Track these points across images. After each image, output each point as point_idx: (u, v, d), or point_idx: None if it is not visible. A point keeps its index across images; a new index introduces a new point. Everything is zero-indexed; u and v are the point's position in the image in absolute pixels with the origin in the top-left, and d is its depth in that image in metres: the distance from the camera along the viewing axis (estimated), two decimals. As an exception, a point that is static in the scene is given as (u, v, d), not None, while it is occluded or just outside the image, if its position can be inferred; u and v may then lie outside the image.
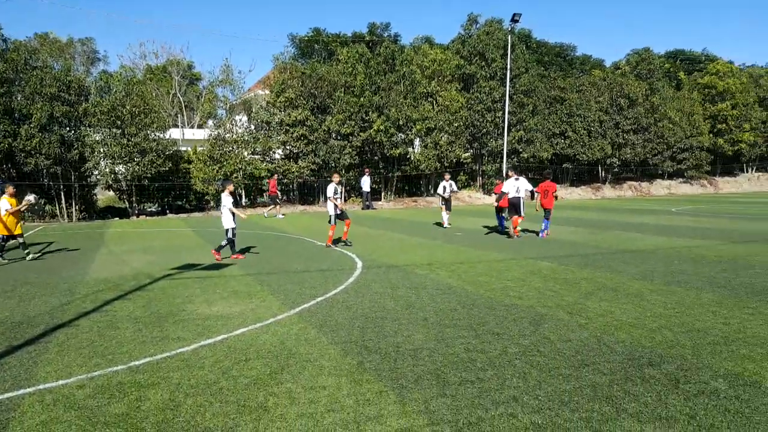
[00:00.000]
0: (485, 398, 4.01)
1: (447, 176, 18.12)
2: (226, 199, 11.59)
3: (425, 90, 33.66)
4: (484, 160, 38.10)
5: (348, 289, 8.07)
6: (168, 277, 9.46)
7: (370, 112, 31.68)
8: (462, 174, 38.57)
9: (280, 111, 30.68)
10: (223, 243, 11.57)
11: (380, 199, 33.99)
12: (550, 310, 6.64)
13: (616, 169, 41.98)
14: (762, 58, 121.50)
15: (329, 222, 13.44)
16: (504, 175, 17.95)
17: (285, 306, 7.08)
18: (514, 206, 14.48)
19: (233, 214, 11.59)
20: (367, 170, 30.84)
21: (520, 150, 36.54)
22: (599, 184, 41.98)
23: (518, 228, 14.79)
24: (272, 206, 26.00)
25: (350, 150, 31.37)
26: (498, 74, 35.36)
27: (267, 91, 33.34)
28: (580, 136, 38.31)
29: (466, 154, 38.81)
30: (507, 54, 34.83)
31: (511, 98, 35.18)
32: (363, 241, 14.46)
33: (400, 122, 32.43)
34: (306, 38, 47.27)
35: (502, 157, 35.77)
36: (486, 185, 38.41)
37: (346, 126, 30.90)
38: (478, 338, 5.53)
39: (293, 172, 30.20)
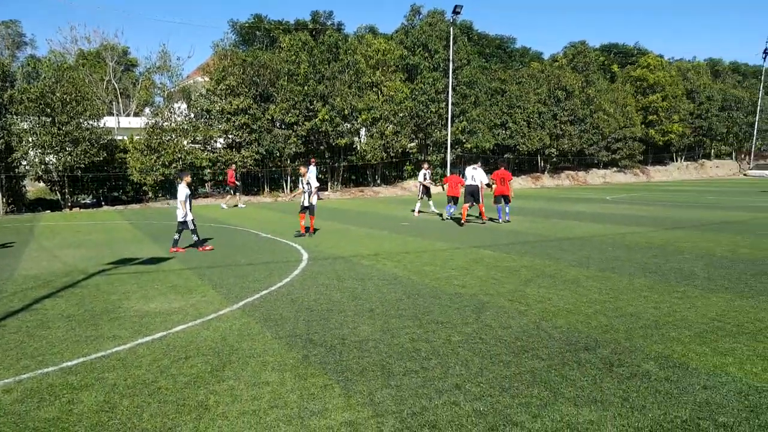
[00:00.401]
0: (429, 387, 4.05)
1: (426, 165, 18.96)
2: (182, 191, 11.37)
3: (370, 80, 33.58)
4: (429, 150, 38.49)
5: (293, 282, 7.97)
6: (103, 272, 9.06)
7: (315, 101, 31.34)
8: (408, 164, 38.85)
9: (220, 99, 29.87)
10: (176, 236, 11.41)
11: (327, 189, 33.78)
12: (492, 298, 6.79)
13: (554, 159, 43.32)
14: (689, 52, 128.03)
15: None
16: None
17: (227, 301, 6.92)
18: (472, 194, 15.11)
19: (189, 205, 11.46)
20: (312, 160, 30.50)
21: (464, 140, 37.12)
22: (539, 174, 43.24)
23: (466, 214, 15.43)
24: (230, 196, 25.74)
25: (295, 139, 30.96)
26: (441, 65, 35.73)
27: (207, 79, 32.35)
28: (520, 127, 39.30)
29: (412, 144, 39.08)
30: (449, 46, 35.23)
31: (454, 89, 35.64)
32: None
33: (345, 112, 32.26)
34: (247, 25, 46.08)
35: (446, 148, 36.24)
36: (432, 175, 38.80)
37: (290, 115, 30.46)
38: (422, 328, 5.59)
39: (236, 162, 29.53)
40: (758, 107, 52.26)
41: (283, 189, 32.79)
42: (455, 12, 34.66)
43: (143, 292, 7.52)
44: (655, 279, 7.67)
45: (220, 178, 31.61)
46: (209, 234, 14.02)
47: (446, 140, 35.93)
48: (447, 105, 35.33)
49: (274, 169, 32.58)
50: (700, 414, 3.50)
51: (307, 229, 13.53)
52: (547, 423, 3.46)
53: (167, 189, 27.76)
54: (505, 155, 41.35)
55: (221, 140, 31.13)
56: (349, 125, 33.97)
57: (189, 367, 4.60)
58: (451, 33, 35.29)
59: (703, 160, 54.00)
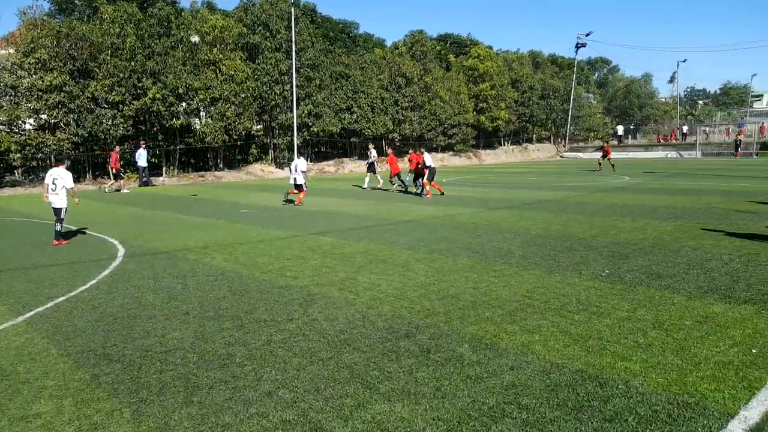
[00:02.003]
0: (237, 400, 3.68)
1: (371, 146, 23.44)
2: (68, 177, 10.40)
3: (207, 57, 31.57)
4: (276, 134, 37.48)
5: (100, 285, 7.03)
6: None
7: (144, 79, 28.70)
8: (254, 147, 37.46)
9: (29, 74, 26.03)
10: (59, 228, 10.36)
11: (161, 175, 31.30)
12: (323, 288, 6.57)
13: (397, 144, 44.73)
14: (514, 44, 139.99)
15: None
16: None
17: (11, 312, 5.86)
18: (433, 174, 18.32)
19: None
20: (142, 143, 28.03)
21: (310, 124, 36.71)
22: (383, 158, 44.36)
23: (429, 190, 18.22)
24: (112, 181, 24.71)
25: (122, 120, 28.10)
26: (283, 46, 34.80)
27: (12, 51, 27.97)
28: (364, 112, 39.87)
29: (258, 127, 37.74)
30: (291, 26, 34.41)
31: (298, 71, 34.96)
32: (131, 224, 13.00)
33: (180, 90, 30.02)
34: (62, -9, 40.62)
35: (293, 131, 35.56)
36: (278, 158, 37.90)
37: (115, 93, 27.58)
38: (242, 329, 5.18)
39: (50, 145, 26.00)
40: (572, 96, 58.77)
41: (109, 176, 29.70)
42: (295, -8, 33.85)
43: None
44: (477, 258, 8.03)
45: (33, 164, 27.82)
46: (9, 229, 12.06)
47: (292, 123, 35.23)
48: (292, 87, 34.57)
49: (99, 153, 29.35)
50: (506, 398, 3.57)
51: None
52: (357, 426, 3.29)
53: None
54: (352, 139, 41.78)
55: (31, 121, 27.21)
56: (185, 105, 31.73)
57: (-64, 405, 3.71)
58: (293, 13, 34.44)
59: (527, 144, 59.44)
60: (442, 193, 18.54)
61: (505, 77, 51.58)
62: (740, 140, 44.91)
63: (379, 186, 22.66)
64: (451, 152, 49.11)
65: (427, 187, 18.17)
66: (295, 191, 16.68)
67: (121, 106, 28.06)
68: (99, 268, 8.05)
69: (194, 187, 27.45)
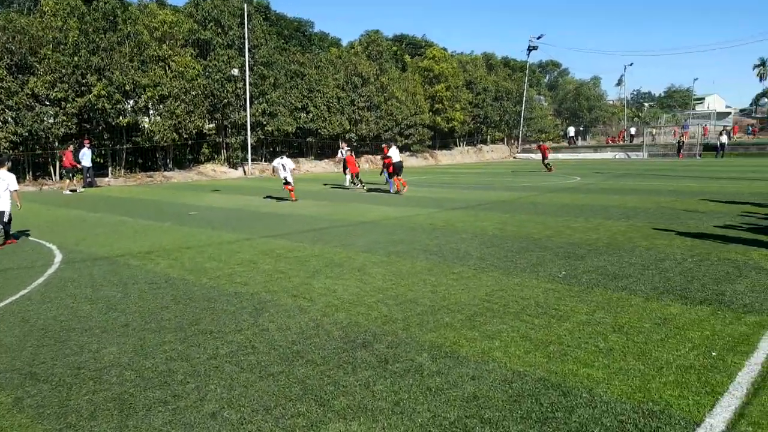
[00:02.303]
0: (177, 423, 3.36)
1: (344, 144, 24.76)
2: (11, 178, 10.07)
3: (156, 53, 30.49)
4: (228, 133, 36.57)
5: (32, 294, 6.51)
6: None
7: (88, 75, 27.46)
8: (205, 147, 36.45)
9: (-41, 69, 24.51)
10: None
11: (107, 175, 30.03)
12: (275, 295, 6.27)
13: (355, 144, 44.45)
14: (468, 46, 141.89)
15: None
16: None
17: (-73, 327, 5.31)
18: (400, 168, 19.36)
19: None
20: (86, 142, 26.79)
21: (265, 122, 36.01)
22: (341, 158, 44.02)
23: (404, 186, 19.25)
24: (69, 181, 24.34)
25: (65, 118, 26.80)
26: (236, 43, 34.01)
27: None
28: (320, 112, 39.42)
29: (210, 126, 36.74)
30: (244, 23, 33.65)
31: (251, 69, 34.23)
32: (72, 228, 12.31)
33: (127, 87, 28.87)
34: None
35: (246, 130, 34.78)
36: (231, 158, 36.99)
37: (57, 90, 26.28)
38: (186, 342, 4.83)
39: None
40: (524, 98, 59.89)
41: (51, 176, 28.27)
42: (249, -12, 33.15)
43: None
44: (435, 260, 7.89)
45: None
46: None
47: (246, 122, 34.46)
48: (245, 85, 33.81)
49: (39, 152, 27.92)
50: (467, 411, 3.39)
51: None
52: (310, 448, 3.04)
53: None
54: (308, 139, 41.24)
55: (-38, 119, 25.64)
56: (132, 102, 30.55)
57: None
58: (246, 10, 33.69)
59: (481, 145, 60.22)
60: (398, 192, 18.98)
61: (459, 79, 52.07)
62: (683, 142, 46.76)
63: (346, 185, 22.98)
64: (408, 153, 49.13)
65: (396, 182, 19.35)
66: (289, 188, 17.90)
67: (63, 103, 26.78)
68: (32, 275, 7.48)
69: (141, 187, 26.45)
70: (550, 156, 34.46)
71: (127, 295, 6.44)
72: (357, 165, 22.77)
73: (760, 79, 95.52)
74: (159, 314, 5.68)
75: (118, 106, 29.00)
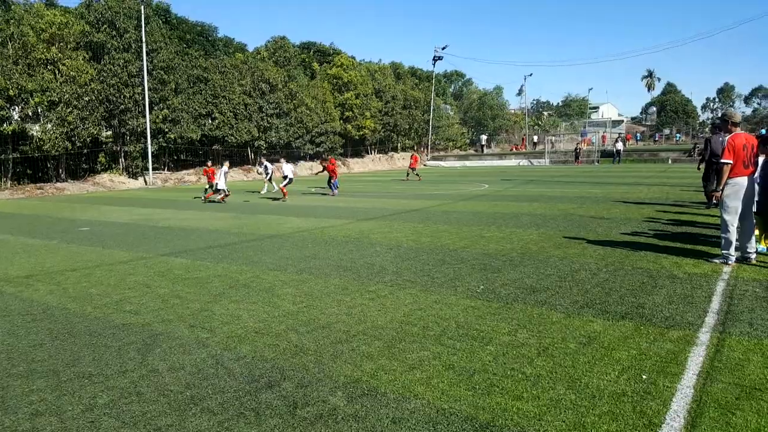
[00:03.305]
0: None
1: (262, 158, 24.11)
2: None
3: (44, 56, 27.92)
4: (127, 140, 34.19)
5: None
6: None
7: (-37, 78, 24.61)
8: (102, 156, 33.86)
9: None
10: None
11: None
12: (170, 326, 5.54)
13: (264, 152, 43.17)
14: (375, 55, 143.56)
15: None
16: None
17: None
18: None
19: None
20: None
21: (166, 130, 34.07)
22: (249, 166, 42.58)
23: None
24: None
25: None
26: (133, 47, 31.94)
27: None
28: (227, 118, 37.94)
29: (107, 134, 34.22)
30: (141, 25, 31.67)
31: (150, 74, 32.26)
32: (-71, 252, 10.65)
33: (11, 92, 26.19)
34: None
35: (146, 137, 32.67)
36: (131, 168, 34.60)
37: None
38: (59, 390, 4.05)
39: None
40: (431, 107, 61.18)
41: None
42: (145, -11, 31.34)
43: None
44: (350, 277, 7.43)
45: None
46: None
47: (146, 129, 32.38)
48: (143, 90, 31.77)
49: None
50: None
51: None
52: None
53: None
54: (214, 146, 39.50)
55: None
56: (18, 109, 27.81)
57: None
58: (143, 12, 31.73)
59: (392, 153, 60.76)
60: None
61: (368, 87, 52.27)
62: (580, 149, 49.68)
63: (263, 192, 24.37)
64: (319, 161, 48.54)
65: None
66: (285, 189, 20.46)
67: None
68: None
69: (30, 201, 23.95)
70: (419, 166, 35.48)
71: (-12, 334, 5.44)
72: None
73: (648, 89, 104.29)
74: (30, 354, 4.80)
75: (2, 112, 26.24)
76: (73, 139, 29.36)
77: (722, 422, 3.29)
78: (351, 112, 50.03)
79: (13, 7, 29.98)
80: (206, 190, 21.95)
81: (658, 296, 6.05)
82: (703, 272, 7.08)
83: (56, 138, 28.30)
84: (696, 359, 4.26)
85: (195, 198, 22.56)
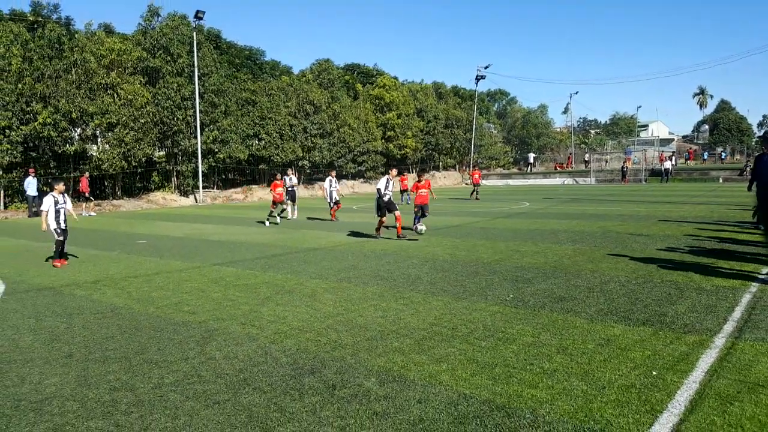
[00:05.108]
0: (117, 456, 3.27)
1: (290, 171, 22.49)
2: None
3: (104, 81, 29.91)
4: (179, 160, 35.95)
5: (-36, 328, 6.19)
6: None
7: (33, 102, 26.66)
8: (155, 174, 35.69)
9: None
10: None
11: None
12: (223, 323, 6.18)
13: (308, 171, 44.43)
14: (418, 75, 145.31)
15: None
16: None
17: None
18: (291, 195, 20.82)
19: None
20: (31, 171, 25.90)
21: (216, 150, 35.64)
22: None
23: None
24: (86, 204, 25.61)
25: (9, 146, 25.84)
26: (186, 71, 33.76)
27: None
28: (273, 139, 39.35)
29: (160, 153, 36.08)
30: (194, 51, 33.52)
31: (201, 97, 33.97)
32: (16, 258, 11.89)
33: (74, 115, 28.15)
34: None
35: (197, 157, 34.30)
36: (182, 186, 36.28)
37: (0, 118, 25.32)
38: (131, 372, 4.70)
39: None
40: (474, 126, 61.47)
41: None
42: (197, 17, 33.23)
43: None
44: (386, 286, 7.95)
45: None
46: None
47: (197, 149, 34.02)
48: (195, 112, 33.46)
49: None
50: (412, 433, 3.43)
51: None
52: (255, 477, 3.01)
53: None
54: (260, 166, 40.93)
55: None
56: (80, 130, 29.80)
57: None
58: (195, 38, 33.58)
59: (434, 171, 61.20)
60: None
61: (410, 107, 53.07)
62: (627, 167, 48.88)
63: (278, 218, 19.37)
64: (361, 179, 49.50)
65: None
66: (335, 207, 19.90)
67: (7, 131, 25.87)
68: (-35, 309, 7.12)
69: (90, 217, 25.55)
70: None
71: (72, 325, 6.22)
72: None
73: (700, 107, 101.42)
74: (104, 344, 5.50)
75: (65, 134, 28.23)
76: (129, 158, 31.13)
77: (720, 410, 3.61)
78: (393, 132, 50.89)
79: (76, 35, 32.25)
80: (330, 205, 20.18)
81: (681, 306, 6.30)
82: (732, 286, 7.25)
83: (114, 158, 30.12)
84: (707, 360, 4.56)
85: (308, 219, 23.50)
